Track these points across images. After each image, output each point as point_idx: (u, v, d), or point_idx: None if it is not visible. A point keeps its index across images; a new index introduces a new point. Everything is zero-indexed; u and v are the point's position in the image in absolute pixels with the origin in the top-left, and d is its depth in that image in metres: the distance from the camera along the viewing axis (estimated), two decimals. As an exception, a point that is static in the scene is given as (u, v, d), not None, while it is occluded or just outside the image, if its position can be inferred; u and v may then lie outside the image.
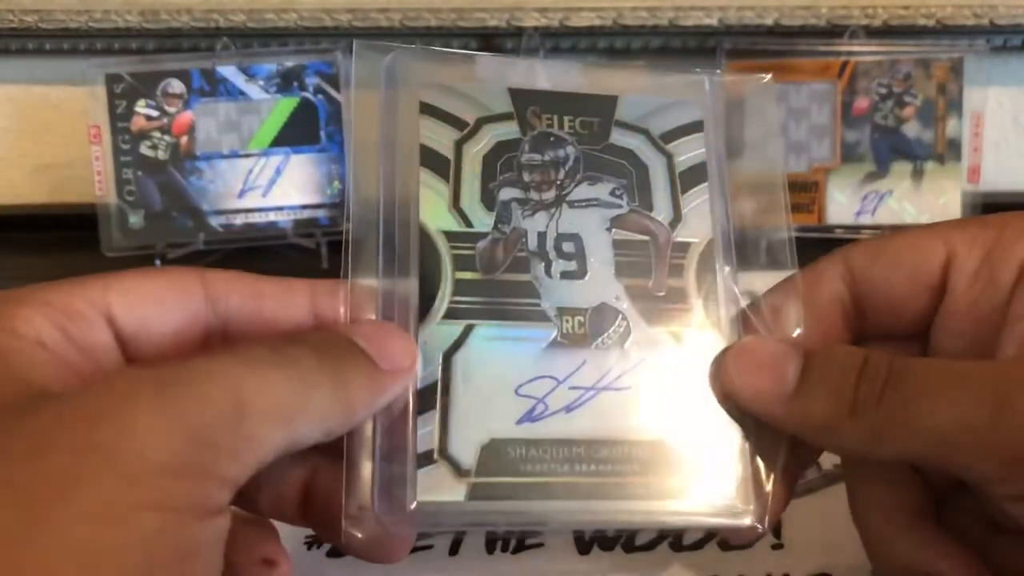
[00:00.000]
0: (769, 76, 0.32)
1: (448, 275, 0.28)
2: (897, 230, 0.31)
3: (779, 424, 0.28)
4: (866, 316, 0.30)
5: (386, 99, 0.30)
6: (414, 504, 0.26)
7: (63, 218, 0.62)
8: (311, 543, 0.37)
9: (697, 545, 0.36)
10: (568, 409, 0.28)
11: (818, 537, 0.36)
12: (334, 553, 0.36)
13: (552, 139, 0.30)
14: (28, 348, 0.23)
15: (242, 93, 0.59)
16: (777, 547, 0.36)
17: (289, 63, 0.59)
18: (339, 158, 0.59)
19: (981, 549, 0.29)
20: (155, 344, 0.26)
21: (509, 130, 0.30)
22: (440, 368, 0.27)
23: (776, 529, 0.37)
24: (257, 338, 0.25)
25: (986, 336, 0.28)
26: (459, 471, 0.26)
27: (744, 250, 0.30)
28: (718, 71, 0.32)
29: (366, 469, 0.26)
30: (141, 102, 0.59)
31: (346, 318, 0.27)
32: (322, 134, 0.59)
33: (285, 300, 0.27)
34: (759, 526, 0.28)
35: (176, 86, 0.59)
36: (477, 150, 0.30)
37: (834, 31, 0.60)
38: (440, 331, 0.28)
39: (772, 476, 0.28)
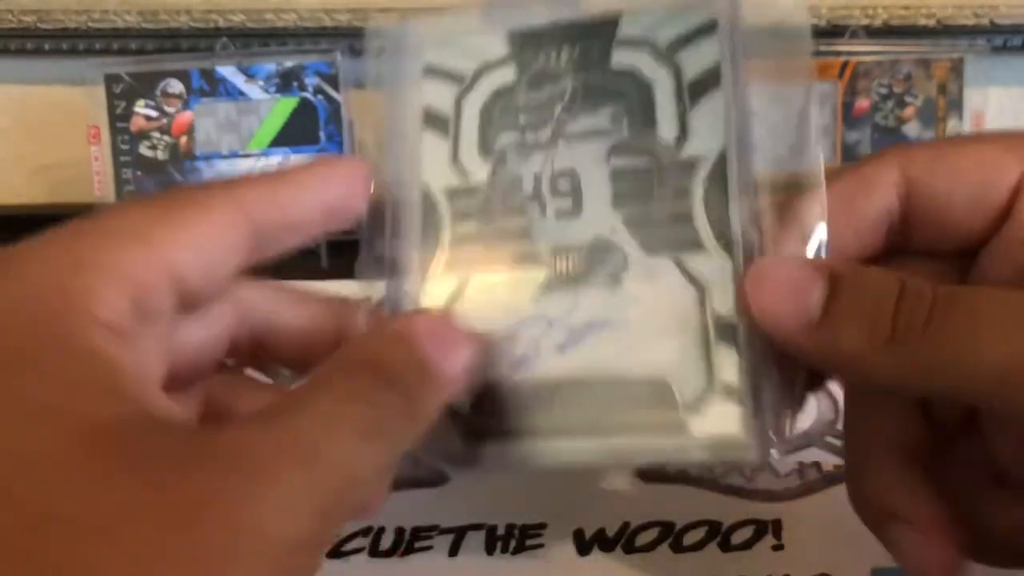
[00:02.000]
0: None
1: (446, 231, 0.28)
2: (958, 137, 0.28)
3: (803, 354, 0.25)
4: (911, 231, 0.27)
5: (394, 71, 0.30)
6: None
7: (62, 219, 0.62)
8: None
9: (698, 546, 0.36)
10: (562, 350, 0.27)
11: (819, 538, 0.36)
12: (333, 554, 0.36)
13: (548, 75, 0.29)
14: (113, 344, 0.21)
15: (241, 93, 0.59)
16: (777, 548, 0.36)
17: (289, 63, 0.59)
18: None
19: (973, 502, 0.27)
20: (208, 295, 0.24)
21: (506, 75, 0.29)
22: None
23: (777, 530, 0.37)
24: (349, 377, 0.23)
25: None
26: (455, 416, 0.26)
27: (765, 161, 0.27)
28: None
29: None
30: (140, 102, 0.59)
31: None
32: (322, 134, 0.59)
33: (305, 201, 0.26)
34: (774, 457, 0.26)
35: (175, 86, 0.59)
36: (476, 102, 0.29)
37: (834, 31, 0.60)
38: (438, 287, 0.28)
39: (780, 408, 0.26)
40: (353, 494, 0.21)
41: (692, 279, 0.27)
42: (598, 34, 0.29)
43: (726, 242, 0.27)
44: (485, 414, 0.27)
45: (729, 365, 0.26)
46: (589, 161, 0.28)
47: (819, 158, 0.27)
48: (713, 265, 0.27)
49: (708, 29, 0.28)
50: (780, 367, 0.26)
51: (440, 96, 0.30)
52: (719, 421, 0.26)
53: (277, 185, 0.26)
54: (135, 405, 0.20)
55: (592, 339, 0.27)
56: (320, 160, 0.27)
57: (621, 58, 0.29)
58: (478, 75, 0.29)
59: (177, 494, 0.18)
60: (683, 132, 0.28)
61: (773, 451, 0.26)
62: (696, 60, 0.28)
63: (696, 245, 0.27)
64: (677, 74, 0.28)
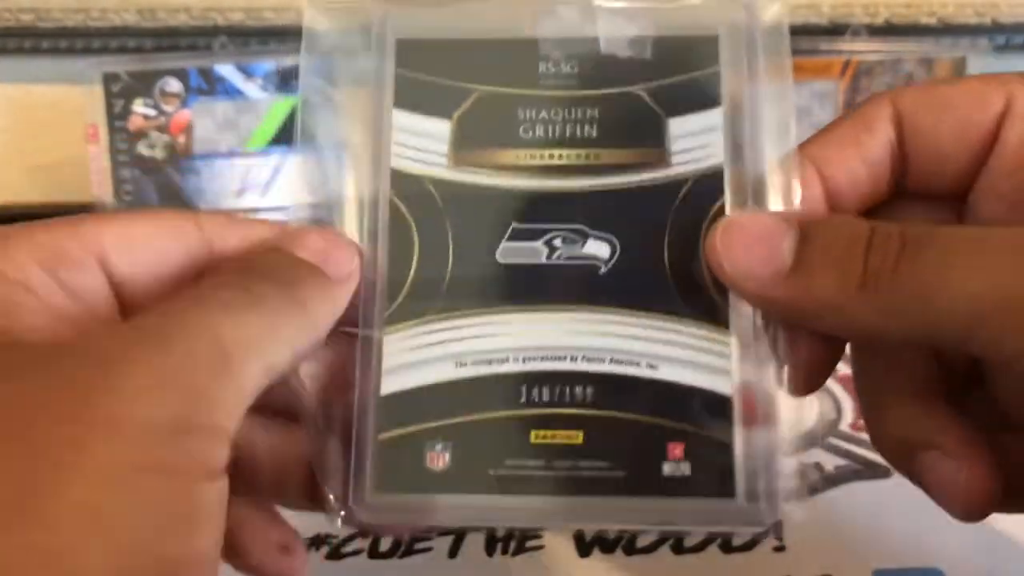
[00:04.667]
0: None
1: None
2: (948, 77, 0.29)
3: (777, 308, 0.25)
4: (908, 169, 0.27)
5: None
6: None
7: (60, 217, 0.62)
8: (310, 545, 0.37)
9: (699, 547, 0.36)
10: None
11: (820, 539, 0.36)
12: (333, 556, 0.36)
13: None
14: (14, 294, 0.22)
15: (240, 92, 0.59)
16: (779, 549, 0.36)
17: (288, 62, 0.59)
18: (338, 157, 0.59)
19: (994, 445, 0.26)
20: (149, 287, 0.25)
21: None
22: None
23: (779, 531, 0.36)
24: (219, 275, 0.24)
25: None
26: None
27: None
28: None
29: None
30: (138, 101, 0.58)
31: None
32: (321, 133, 0.59)
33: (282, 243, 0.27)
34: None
35: (174, 85, 0.59)
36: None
37: (836, 30, 0.60)
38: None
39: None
40: (232, 370, 0.21)
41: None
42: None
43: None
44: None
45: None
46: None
47: (792, 142, 0.26)
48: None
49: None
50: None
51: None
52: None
53: (248, 222, 0.26)
54: (11, 336, 0.21)
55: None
56: (312, 228, 0.26)
57: None
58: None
59: (19, 396, 0.19)
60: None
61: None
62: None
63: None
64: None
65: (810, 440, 0.40)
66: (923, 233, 0.23)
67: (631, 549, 0.36)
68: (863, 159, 0.27)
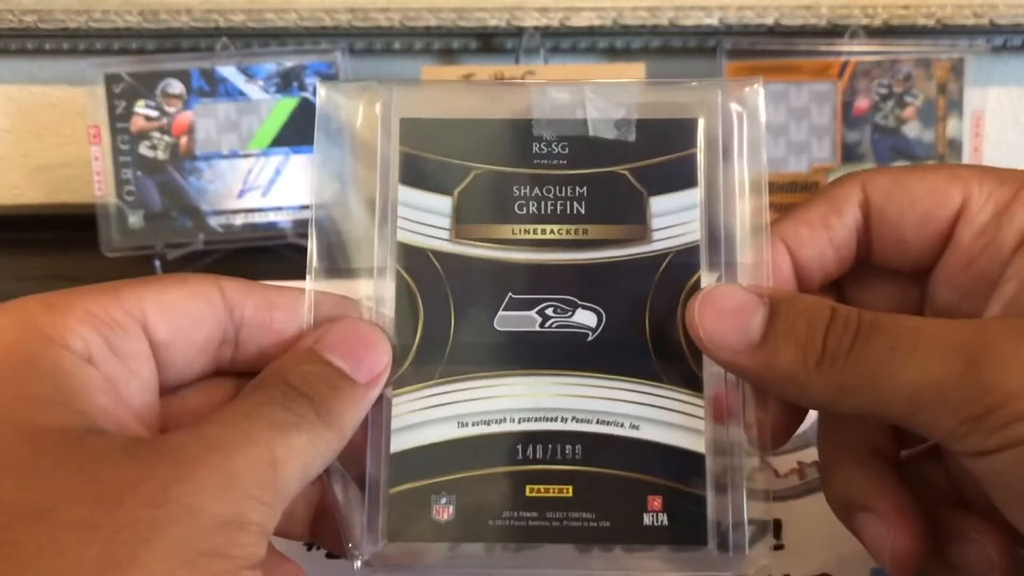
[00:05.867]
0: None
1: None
2: (917, 165, 0.31)
3: (745, 375, 0.27)
4: (872, 247, 0.30)
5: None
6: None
7: (62, 218, 0.62)
8: (310, 545, 0.37)
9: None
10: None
11: (818, 538, 0.36)
12: (334, 554, 0.36)
13: None
14: (76, 366, 0.24)
15: (241, 93, 0.59)
16: (778, 548, 0.36)
17: (289, 63, 0.59)
18: (339, 158, 0.59)
19: (936, 518, 0.29)
20: (183, 353, 0.27)
21: None
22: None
23: (777, 530, 0.37)
24: (266, 392, 0.26)
25: (980, 292, 0.28)
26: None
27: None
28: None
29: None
30: (140, 102, 0.59)
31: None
32: (322, 134, 0.59)
33: (294, 312, 0.28)
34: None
35: (175, 86, 0.59)
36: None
37: (834, 31, 0.60)
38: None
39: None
40: (279, 478, 0.24)
41: None
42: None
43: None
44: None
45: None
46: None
47: (765, 221, 0.29)
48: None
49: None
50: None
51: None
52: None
53: (267, 289, 0.28)
54: (82, 416, 0.23)
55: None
56: (344, 327, 0.28)
57: None
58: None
59: (107, 481, 0.21)
60: None
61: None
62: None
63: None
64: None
65: (808, 440, 0.40)
66: (875, 321, 0.26)
67: (630, 547, 0.36)
68: (830, 240, 0.29)
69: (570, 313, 0.28)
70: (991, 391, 0.24)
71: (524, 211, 0.29)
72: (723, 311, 0.27)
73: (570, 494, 0.28)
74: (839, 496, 0.29)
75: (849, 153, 0.59)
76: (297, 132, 0.60)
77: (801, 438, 0.40)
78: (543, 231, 0.29)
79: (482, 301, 0.28)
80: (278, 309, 0.28)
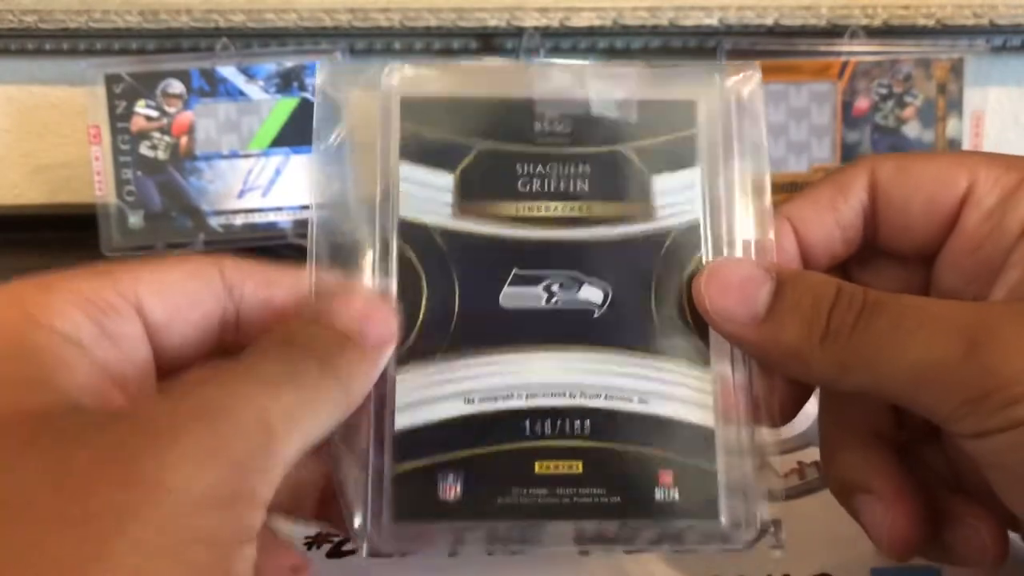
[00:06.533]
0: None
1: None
2: (924, 151, 0.31)
3: (749, 349, 0.28)
4: (878, 231, 0.30)
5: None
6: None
7: (63, 218, 0.62)
8: (311, 543, 0.37)
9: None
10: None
11: (819, 537, 0.36)
12: (334, 553, 0.36)
13: None
14: (62, 347, 0.23)
15: (242, 93, 0.59)
16: (777, 547, 0.36)
17: (289, 63, 0.59)
18: (339, 158, 0.59)
19: (934, 502, 0.29)
20: (180, 334, 0.26)
21: None
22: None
23: (777, 529, 0.37)
24: (263, 350, 0.24)
25: (985, 278, 0.28)
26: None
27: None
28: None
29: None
30: (141, 102, 0.59)
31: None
32: (322, 134, 0.59)
33: (295, 290, 0.28)
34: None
35: (176, 86, 0.59)
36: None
37: (834, 31, 0.60)
38: None
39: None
40: (273, 441, 0.22)
41: None
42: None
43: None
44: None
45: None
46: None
47: (767, 199, 0.29)
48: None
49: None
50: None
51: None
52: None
53: (267, 269, 0.27)
54: (63, 396, 0.22)
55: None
56: (350, 293, 0.27)
57: None
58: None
59: (76, 462, 0.20)
60: None
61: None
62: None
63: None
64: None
65: (808, 439, 0.40)
66: (880, 300, 0.26)
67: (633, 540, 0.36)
68: (837, 222, 0.29)
69: (576, 289, 0.28)
70: (992, 373, 0.24)
71: (528, 188, 0.29)
72: (730, 284, 0.27)
73: (580, 470, 0.27)
74: (839, 477, 0.30)
75: (849, 153, 0.59)
76: (297, 132, 0.60)
77: (801, 438, 0.40)
78: (547, 208, 0.29)
79: (486, 278, 0.28)
80: (279, 287, 0.27)
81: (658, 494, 0.27)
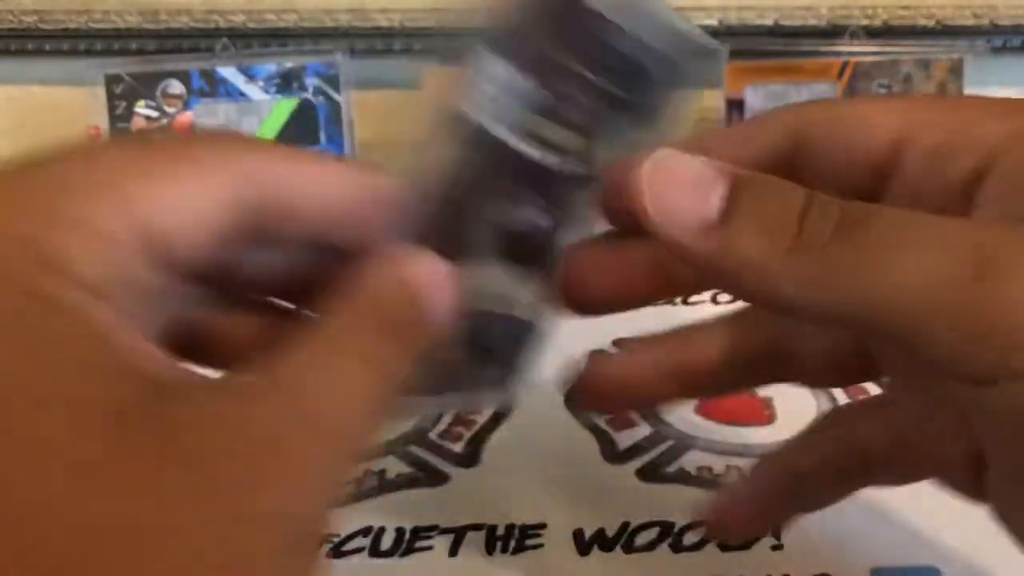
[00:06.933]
0: None
1: None
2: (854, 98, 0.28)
3: (697, 261, 0.22)
4: (801, 179, 0.24)
5: None
6: None
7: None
8: (311, 544, 0.37)
9: (697, 546, 0.36)
10: None
11: (818, 538, 0.36)
12: (334, 553, 0.36)
13: None
14: (92, 307, 0.18)
15: (242, 94, 0.59)
16: (777, 548, 0.36)
17: (289, 64, 0.59)
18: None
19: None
20: (196, 262, 0.22)
21: None
22: None
23: (776, 530, 0.37)
24: (355, 331, 0.22)
25: None
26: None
27: None
28: None
29: None
30: (141, 103, 0.59)
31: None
32: (322, 135, 0.59)
33: (327, 185, 0.24)
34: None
35: (176, 87, 0.59)
36: None
37: (834, 31, 0.60)
38: None
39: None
40: (357, 463, 0.22)
41: None
42: None
43: None
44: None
45: None
46: None
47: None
48: None
49: None
50: None
51: None
52: None
53: (290, 159, 0.23)
54: (137, 381, 0.18)
55: None
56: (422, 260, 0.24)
57: None
58: None
59: (194, 483, 0.18)
60: None
61: None
62: None
63: None
64: None
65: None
66: (866, 209, 0.22)
67: (630, 547, 0.36)
68: (751, 158, 0.25)
69: None
70: (1009, 303, 0.20)
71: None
72: (677, 180, 0.23)
73: None
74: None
75: (849, 154, 0.59)
76: (297, 133, 0.60)
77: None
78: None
79: None
80: (312, 186, 0.23)
81: None
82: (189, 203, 0.21)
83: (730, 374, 0.28)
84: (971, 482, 0.26)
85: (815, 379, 0.28)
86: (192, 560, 0.17)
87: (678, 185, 0.23)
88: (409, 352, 0.22)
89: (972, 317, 0.20)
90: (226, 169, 0.22)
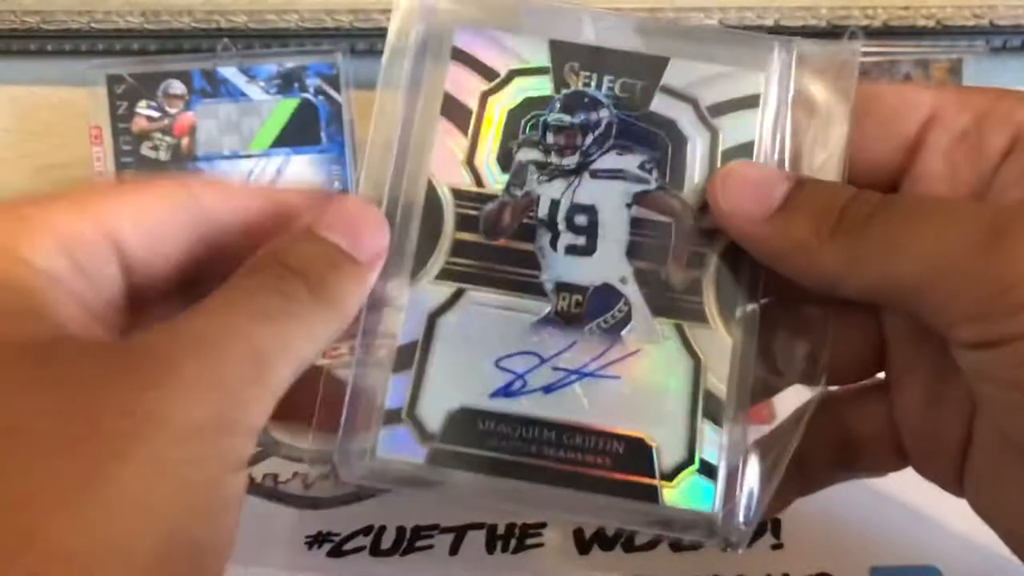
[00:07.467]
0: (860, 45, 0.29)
1: (448, 234, 0.27)
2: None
3: (757, 246, 0.26)
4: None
5: (418, 42, 0.28)
6: (371, 458, 0.26)
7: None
8: (311, 543, 0.37)
9: (697, 545, 0.36)
10: (547, 390, 0.26)
11: (817, 537, 0.36)
12: (334, 553, 0.37)
13: (586, 100, 0.28)
14: (44, 281, 0.23)
15: (243, 94, 0.59)
16: (777, 547, 0.36)
17: (290, 64, 0.59)
18: (340, 159, 0.59)
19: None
20: (154, 265, 0.26)
21: (541, 86, 0.28)
22: (424, 328, 0.27)
23: (776, 529, 0.37)
24: (254, 274, 0.24)
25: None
26: (423, 434, 0.26)
27: None
28: (792, 40, 0.28)
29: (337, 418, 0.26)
30: (142, 103, 0.59)
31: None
32: (323, 135, 0.59)
33: (276, 208, 0.27)
34: (734, 546, 0.27)
35: (177, 87, 0.59)
36: (504, 104, 0.28)
37: (834, 32, 0.60)
38: (430, 290, 0.27)
39: (761, 494, 0.27)
40: (265, 374, 0.22)
41: (691, 350, 0.27)
42: (644, 73, 0.28)
43: (730, 320, 0.27)
44: (455, 440, 0.26)
45: (712, 443, 0.26)
46: (611, 202, 0.28)
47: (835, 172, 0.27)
48: (713, 340, 0.27)
49: (751, 102, 0.28)
50: (761, 454, 0.27)
51: (465, 86, 0.28)
52: (692, 497, 0.26)
53: (244, 187, 0.27)
54: (52, 327, 0.22)
55: (580, 386, 0.27)
56: (340, 200, 0.27)
57: (662, 105, 0.28)
58: (511, 76, 0.28)
59: (76, 392, 0.20)
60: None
61: (737, 536, 0.26)
62: (734, 130, 0.28)
63: (701, 317, 0.27)
64: (714, 139, 0.28)
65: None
66: (896, 197, 0.25)
67: (630, 547, 0.36)
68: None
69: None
70: (1013, 266, 0.22)
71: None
72: (745, 181, 0.26)
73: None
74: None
75: (849, 154, 0.59)
76: (298, 133, 0.60)
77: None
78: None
79: None
80: (257, 204, 0.27)
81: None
82: (148, 210, 0.25)
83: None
84: (955, 470, 0.28)
85: (839, 377, 0.30)
86: (63, 456, 0.19)
87: (745, 185, 0.26)
88: (320, 286, 0.24)
89: (985, 280, 0.22)
90: (178, 190, 0.26)
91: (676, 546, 0.36)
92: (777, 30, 0.60)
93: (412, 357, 0.27)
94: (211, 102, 0.59)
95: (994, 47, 0.61)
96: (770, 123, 0.28)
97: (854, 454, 0.30)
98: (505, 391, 0.27)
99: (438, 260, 0.27)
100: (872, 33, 0.60)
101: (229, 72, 0.59)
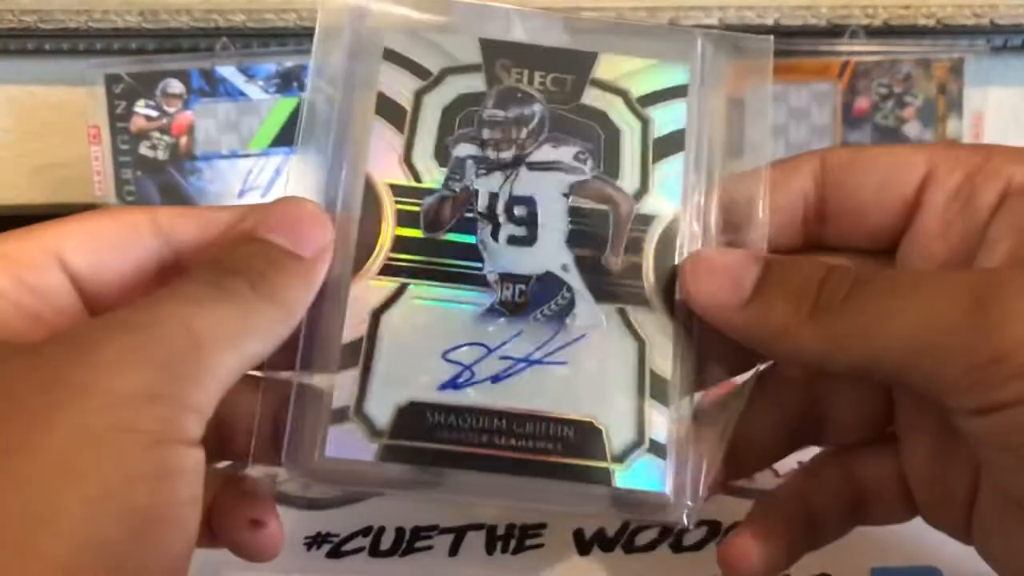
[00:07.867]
0: (771, 39, 0.30)
1: (388, 230, 0.28)
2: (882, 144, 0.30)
3: (735, 332, 0.27)
4: (827, 222, 0.29)
5: (350, 44, 0.29)
6: (321, 459, 0.26)
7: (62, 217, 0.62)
8: (310, 544, 0.37)
9: (697, 546, 0.36)
10: (495, 379, 0.27)
11: (818, 537, 0.36)
12: (333, 554, 0.36)
13: (519, 95, 0.29)
14: None
15: (242, 93, 0.59)
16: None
17: (288, 63, 0.59)
18: (339, 158, 0.59)
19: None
20: (111, 284, 0.26)
21: (474, 83, 0.29)
22: (367, 325, 0.27)
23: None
24: (191, 274, 0.25)
25: (959, 259, 0.27)
26: (373, 431, 0.26)
27: (717, 229, 0.29)
28: (711, 32, 0.29)
29: (282, 420, 0.26)
30: (140, 102, 0.59)
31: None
32: (322, 134, 0.59)
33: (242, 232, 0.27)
34: (686, 522, 0.27)
35: (175, 86, 0.59)
36: (438, 102, 0.28)
37: (834, 31, 0.60)
38: (372, 287, 0.27)
39: (710, 469, 0.27)
40: (203, 352, 0.22)
41: (634, 332, 0.28)
42: (573, 68, 0.29)
43: (671, 301, 0.28)
44: (404, 435, 0.26)
45: (660, 424, 0.27)
46: (549, 193, 0.28)
47: (766, 156, 0.28)
48: (655, 322, 0.28)
49: (679, 92, 0.29)
50: (707, 429, 0.27)
51: (398, 86, 0.29)
52: (644, 477, 0.27)
53: (203, 211, 0.28)
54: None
55: (527, 374, 0.27)
56: (278, 202, 0.27)
57: (593, 98, 0.29)
58: (444, 74, 0.29)
59: (6, 377, 0.21)
60: (644, 186, 0.28)
61: (688, 513, 0.27)
62: (665, 119, 0.29)
63: (642, 300, 0.28)
64: (646, 128, 0.29)
65: None
66: (871, 272, 0.25)
67: (630, 548, 0.36)
68: (776, 204, 0.28)
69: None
70: (1002, 335, 0.22)
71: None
72: (714, 269, 0.27)
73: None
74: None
75: (849, 153, 0.59)
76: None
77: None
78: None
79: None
80: (217, 225, 0.27)
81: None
82: (95, 229, 0.26)
83: (774, 446, 0.31)
84: (963, 520, 0.28)
85: (846, 436, 0.30)
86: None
87: (715, 272, 0.26)
88: (261, 283, 0.24)
89: (973, 352, 0.22)
90: (139, 215, 0.27)
91: (676, 547, 0.36)
92: (777, 29, 0.60)
93: (357, 355, 0.27)
94: (210, 101, 0.59)
95: (995, 46, 0.61)
96: (697, 112, 0.29)
97: (864, 506, 0.30)
98: (453, 383, 0.27)
99: (379, 257, 0.27)
100: (872, 32, 0.60)
101: (228, 71, 0.59)
